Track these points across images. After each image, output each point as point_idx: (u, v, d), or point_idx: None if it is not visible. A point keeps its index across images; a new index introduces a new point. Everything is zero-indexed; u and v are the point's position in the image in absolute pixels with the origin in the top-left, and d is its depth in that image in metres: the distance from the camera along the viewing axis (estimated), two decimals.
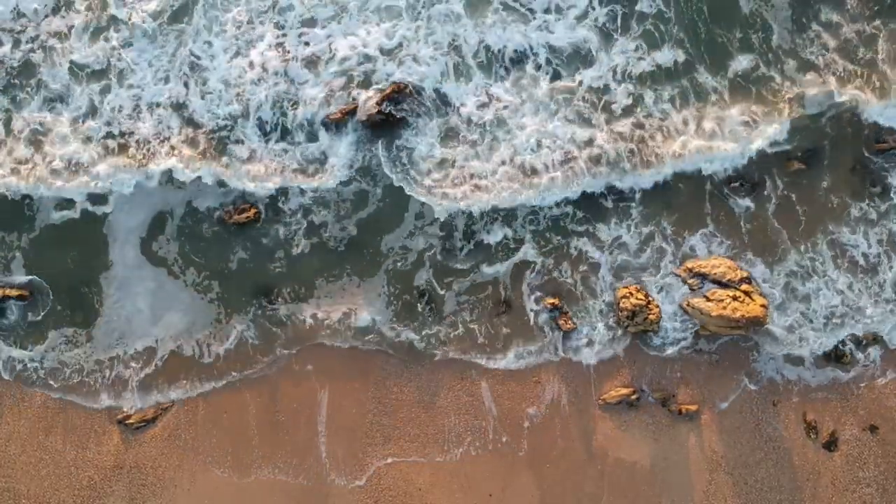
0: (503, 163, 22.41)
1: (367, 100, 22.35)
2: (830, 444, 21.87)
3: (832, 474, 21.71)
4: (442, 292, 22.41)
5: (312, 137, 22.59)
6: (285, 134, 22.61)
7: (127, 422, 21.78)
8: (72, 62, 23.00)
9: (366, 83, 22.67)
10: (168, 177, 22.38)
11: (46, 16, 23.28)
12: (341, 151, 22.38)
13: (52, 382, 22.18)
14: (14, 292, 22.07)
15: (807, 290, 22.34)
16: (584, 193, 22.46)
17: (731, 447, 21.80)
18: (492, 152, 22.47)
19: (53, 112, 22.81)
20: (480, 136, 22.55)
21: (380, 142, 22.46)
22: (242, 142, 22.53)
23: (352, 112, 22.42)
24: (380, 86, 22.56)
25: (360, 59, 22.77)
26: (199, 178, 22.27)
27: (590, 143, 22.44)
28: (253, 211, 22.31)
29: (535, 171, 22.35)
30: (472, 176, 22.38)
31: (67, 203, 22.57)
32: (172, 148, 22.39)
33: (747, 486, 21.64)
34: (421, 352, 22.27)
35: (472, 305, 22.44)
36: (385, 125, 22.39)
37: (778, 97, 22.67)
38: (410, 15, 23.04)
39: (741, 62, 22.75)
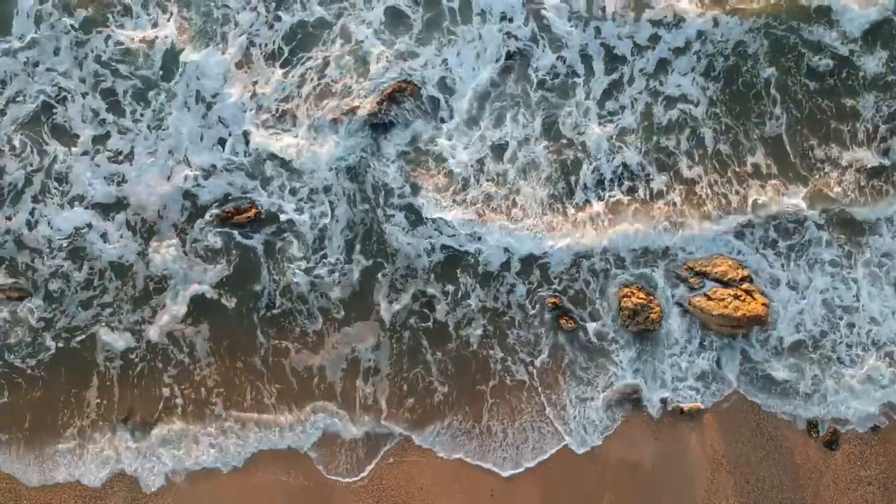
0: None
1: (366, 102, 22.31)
2: (832, 443, 21.86)
3: (834, 473, 21.72)
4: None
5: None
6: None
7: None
8: None
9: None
10: None
11: None
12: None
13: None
14: (14, 293, 22.00)
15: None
16: None
17: (732, 446, 21.79)
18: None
19: None
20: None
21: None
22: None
23: (351, 111, 22.36)
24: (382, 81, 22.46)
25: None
26: None
27: None
28: (253, 211, 22.23)
29: None
30: None
31: None
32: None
33: (749, 485, 21.63)
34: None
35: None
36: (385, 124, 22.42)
37: None
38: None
39: None
